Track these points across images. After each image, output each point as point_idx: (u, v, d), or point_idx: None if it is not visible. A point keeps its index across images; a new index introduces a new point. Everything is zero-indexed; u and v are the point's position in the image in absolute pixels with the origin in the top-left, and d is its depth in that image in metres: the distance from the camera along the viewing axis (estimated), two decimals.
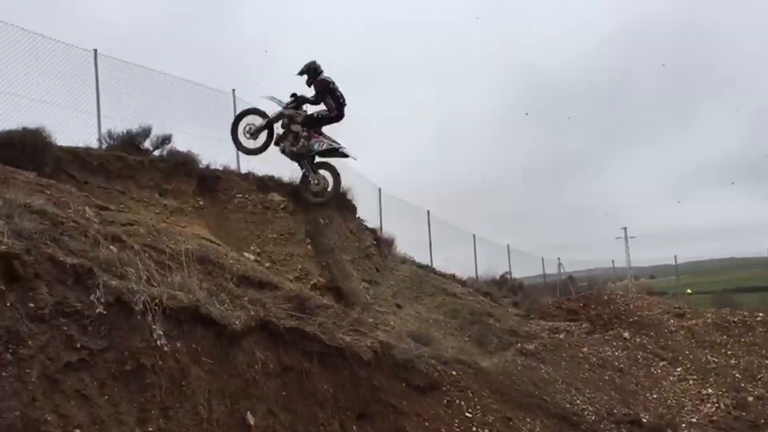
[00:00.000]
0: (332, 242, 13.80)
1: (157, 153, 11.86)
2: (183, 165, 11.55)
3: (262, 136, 13.04)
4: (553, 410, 10.65)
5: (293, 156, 12.88)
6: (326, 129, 13.15)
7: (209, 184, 12.06)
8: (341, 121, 13.17)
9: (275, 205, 12.63)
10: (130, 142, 11.47)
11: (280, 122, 12.97)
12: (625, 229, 50.07)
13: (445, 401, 9.34)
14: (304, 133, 12.88)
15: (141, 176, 10.83)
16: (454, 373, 10.17)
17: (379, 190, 21.08)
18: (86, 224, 6.83)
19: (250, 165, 13.86)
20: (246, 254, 10.97)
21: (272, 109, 13.07)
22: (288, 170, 14.18)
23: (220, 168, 12.81)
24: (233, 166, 13.58)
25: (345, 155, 13.32)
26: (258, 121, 13.02)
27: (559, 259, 37.36)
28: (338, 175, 13.38)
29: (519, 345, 13.73)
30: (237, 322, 7.05)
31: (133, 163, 10.79)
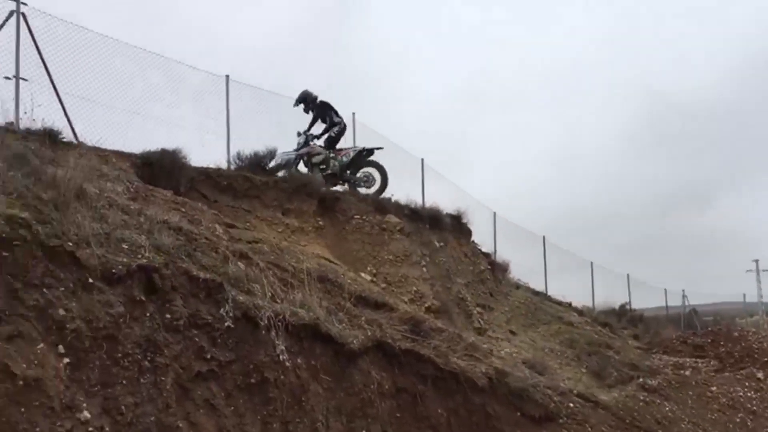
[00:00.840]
0: (447, 265, 13.75)
1: (280, 174, 12.34)
2: (305, 186, 11.91)
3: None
4: None
5: (330, 178, 13.23)
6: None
7: (329, 205, 12.36)
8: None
9: (391, 227, 12.75)
10: (257, 163, 11.99)
11: (302, 161, 13.37)
12: (756, 261, 46.55)
13: None
14: (331, 155, 13.51)
15: (266, 196, 11.28)
16: (571, 405, 9.82)
17: (494, 214, 20.83)
18: (216, 241, 7.18)
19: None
20: (363, 274, 11.12)
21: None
22: (404, 193, 14.36)
23: (340, 189, 13.13)
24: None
25: (371, 150, 13.81)
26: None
27: (683, 290, 35.30)
28: (385, 171, 13.81)
29: (641, 379, 13.08)
30: (354, 342, 7.17)
31: (259, 184, 11.25)
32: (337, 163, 13.43)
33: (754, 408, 13.16)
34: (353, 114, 15.24)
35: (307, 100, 13.81)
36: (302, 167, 13.34)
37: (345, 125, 13.91)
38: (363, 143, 14.35)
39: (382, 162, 13.86)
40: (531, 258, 22.88)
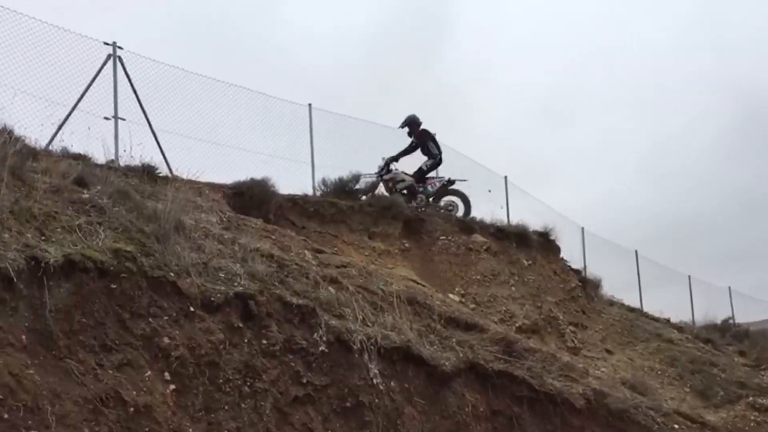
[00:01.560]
0: (536, 283, 13.48)
1: (363, 198, 12.48)
2: (389, 209, 12.00)
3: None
4: None
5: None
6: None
7: (414, 227, 12.40)
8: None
9: (478, 246, 12.64)
10: (342, 188, 12.19)
11: (384, 186, 13.26)
12: None
13: None
14: (420, 188, 13.43)
15: (351, 220, 11.43)
16: (676, 426, 9.39)
17: (582, 229, 20.29)
18: (306, 266, 7.31)
19: None
20: (451, 295, 11.05)
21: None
22: (489, 212, 14.26)
23: (425, 211, 13.15)
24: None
25: (454, 181, 13.68)
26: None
27: None
28: (467, 199, 13.73)
29: (750, 398, 12.35)
30: (447, 363, 7.12)
31: (345, 208, 11.42)
32: (423, 194, 13.45)
33: None
34: (434, 134, 15.28)
35: (412, 124, 13.83)
36: (383, 191, 13.39)
37: (441, 160, 13.85)
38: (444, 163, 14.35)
39: (465, 190, 13.83)
40: (623, 273, 22.11)
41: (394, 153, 13.64)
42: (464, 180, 13.90)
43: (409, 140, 13.76)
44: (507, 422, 7.55)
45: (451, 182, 13.73)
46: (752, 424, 10.98)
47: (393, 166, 13.48)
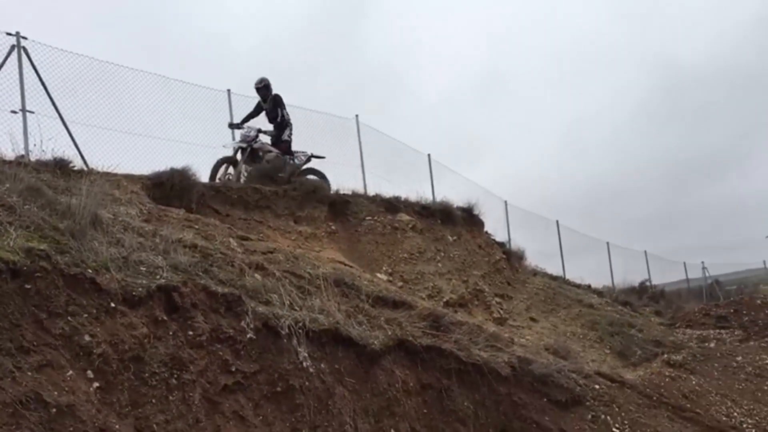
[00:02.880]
0: (462, 258, 13.81)
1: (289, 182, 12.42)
2: (314, 192, 12.00)
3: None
4: (708, 424, 10.05)
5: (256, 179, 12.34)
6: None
7: (340, 209, 12.46)
8: None
9: (404, 225, 12.83)
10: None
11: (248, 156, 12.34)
12: None
13: (590, 416, 9.06)
14: (290, 160, 12.74)
15: (276, 205, 11.38)
16: (597, 386, 9.85)
17: (505, 202, 20.88)
18: (231, 255, 7.28)
19: (377, 188, 14.23)
20: (379, 275, 11.21)
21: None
22: (414, 191, 14.46)
23: (349, 192, 13.21)
24: (361, 190, 13.97)
25: (319, 157, 13.15)
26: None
27: (703, 262, 35.04)
28: (326, 177, 13.07)
29: (665, 356, 13.09)
30: (376, 342, 7.25)
31: (269, 194, 11.35)
32: (294, 165, 12.81)
33: None
34: (356, 116, 15.37)
35: (268, 87, 12.95)
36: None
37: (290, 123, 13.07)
38: (366, 144, 14.45)
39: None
40: (546, 243, 22.95)
41: (244, 118, 12.88)
42: (322, 157, 13.31)
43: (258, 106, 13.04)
44: (437, 395, 7.77)
45: (315, 158, 13.16)
46: (667, 380, 11.62)
47: (260, 137, 12.63)
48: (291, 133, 13.04)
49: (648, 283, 27.40)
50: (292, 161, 12.85)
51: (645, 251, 29.62)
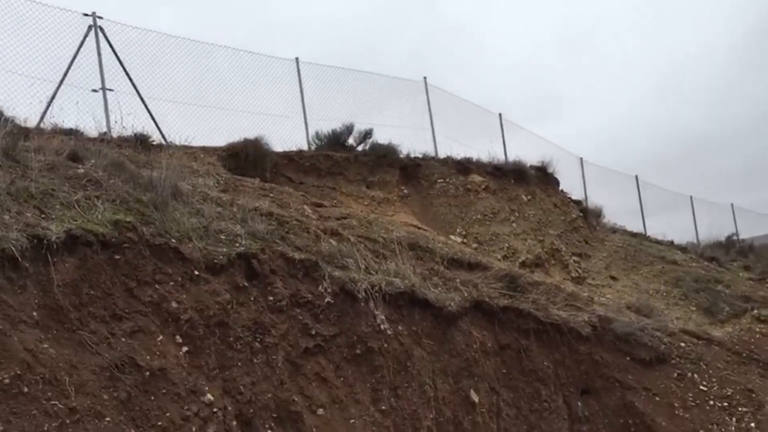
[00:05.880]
0: (537, 218, 13.61)
1: (360, 148, 12.50)
2: (385, 157, 12.05)
3: None
4: None
5: None
6: None
7: (411, 173, 12.47)
8: None
9: (476, 186, 12.72)
10: (336, 140, 12.19)
11: None
12: None
13: (675, 374, 8.84)
14: None
15: (348, 172, 11.49)
16: (682, 344, 9.58)
17: (581, 159, 20.33)
18: (306, 221, 7.41)
19: (449, 149, 14.12)
20: (453, 237, 11.19)
21: None
22: (486, 152, 14.27)
23: (420, 156, 13.17)
24: (431, 153, 13.89)
25: None
26: None
27: None
28: None
29: (755, 311, 12.56)
30: (452, 304, 7.27)
31: (341, 160, 11.47)
32: None
33: None
34: (425, 78, 15.18)
35: None
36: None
37: None
38: (436, 106, 14.28)
39: None
40: (626, 200, 22.27)
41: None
42: None
43: None
44: (515, 355, 7.74)
45: None
46: (758, 336, 11.18)
47: None
48: None
49: (735, 237, 26.25)
50: None
51: (732, 204, 28.35)
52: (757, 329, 11.52)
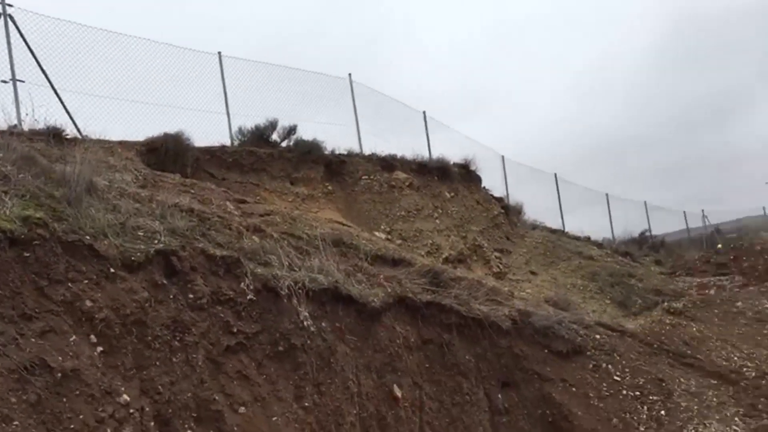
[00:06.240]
0: (460, 215, 13.86)
1: (284, 144, 12.38)
2: (309, 153, 11.99)
3: None
4: (708, 369, 10.19)
5: None
6: None
7: (336, 169, 12.46)
8: None
9: (400, 183, 12.84)
10: (260, 136, 12.03)
11: None
12: None
13: (590, 366, 9.20)
14: None
15: (272, 168, 11.38)
16: (597, 336, 9.98)
17: (503, 157, 20.83)
18: (229, 218, 7.29)
19: (374, 146, 14.18)
20: (377, 233, 11.26)
21: None
22: (410, 148, 14.42)
23: (345, 152, 13.17)
24: (357, 150, 13.91)
25: None
26: None
27: (703, 211, 35.13)
28: None
29: (665, 304, 13.21)
30: (376, 300, 7.32)
31: (264, 156, 11.34)
32: None
33: None
34: (349, 75, 15.20)
35: None
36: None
37: None
38: (362, 104, 14.34)
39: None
40: (546, 198, 22.98)
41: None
42: None
43: None
44: (438, 349, 7.87)
45: None
46: (668, 327, 11.75)
47: None
48: None
49: (648, 233, 27.51)
50: None
51: (645, 202, 29.68)
52: (667, 321, 12.11)
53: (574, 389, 8.64)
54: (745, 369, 10.51)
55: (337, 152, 13.01)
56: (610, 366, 9.27)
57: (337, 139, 13.43)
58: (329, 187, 11.98)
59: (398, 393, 6.85)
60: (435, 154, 15.61)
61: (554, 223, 20.64)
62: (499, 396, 8.26)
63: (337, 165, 12.57)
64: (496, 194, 17.34)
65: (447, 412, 7.48)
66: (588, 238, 20.28)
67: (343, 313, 6.88)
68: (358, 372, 6.59)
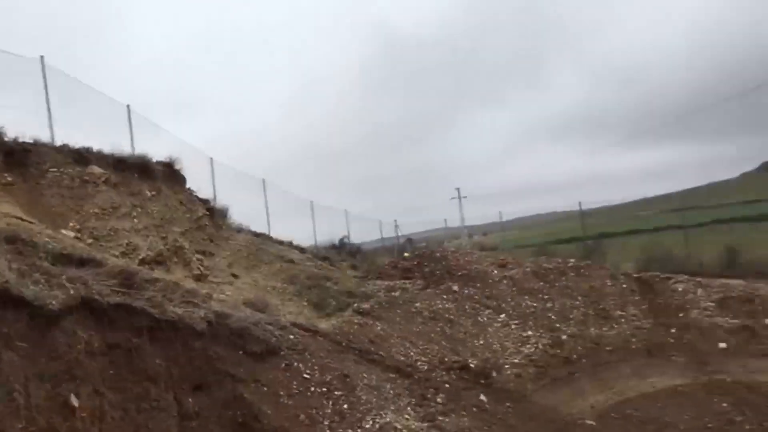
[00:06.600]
0: (161, 215, 13.32)
1: None
2: None
3: None
4: (388, 363, 11.14)
5: None
6: None
7: (18, 159, 11.13)
8: None
9: (95, 179, 11.92)
10: None
11: None
12: (458, 189, 52.33)
13: (283, 365, 9.47)
14: None
15: None
16: (291, 337, 10.31)
17: (211, 159, 20.55)
18: None
19: (69, 137, 12.94)
20: (64, 231, 10.30)
21: None
22: (112, 144, 13.48)
23: (30, 141, 11.82)
24: (46, 138, 12.59)
25: None
26: None
27: (395, 221, 38.63)
28: None
29: (356, 305, 14.13)
30: (54, 302, 6.68)
31: None
32: None
33: (451, 317, 15.02)
34: (41, 57, 13.74)
35: None
36: None
37: None
38: (54, 90, 13.07)
39: None
40: (255, 202, 23.27)
41: None
42: None
43: None
44: (125, 354, 7.44)
45: None
46: (356, 327, 12.60)
47: None
48: None
49: (347, 240, 29.34)
50: None
51: (345, 210, 31.61)
52: (356, 321, 13.00)
53: (265, 389, 8.81)
54: (419, 363, 11.72)
55: (21, 140, 11.63)
56: (301, 365, 9.64)
57: (25, 128, 12.00)
58: (9, 178, 10.65)
59: (75, 403, 6.31)
60: (141, 151, 14.84)
61: (263, 228, 20.96)
62: (190, 400, 8.07)
63: (21, 154, 11.24)
64: (203, 196, 17.03)
65: (132, 420, 7.10)
66: (291, 243, 20.93)
67: (13, 317, 6.16)
68: (27, 382, 5.94)
